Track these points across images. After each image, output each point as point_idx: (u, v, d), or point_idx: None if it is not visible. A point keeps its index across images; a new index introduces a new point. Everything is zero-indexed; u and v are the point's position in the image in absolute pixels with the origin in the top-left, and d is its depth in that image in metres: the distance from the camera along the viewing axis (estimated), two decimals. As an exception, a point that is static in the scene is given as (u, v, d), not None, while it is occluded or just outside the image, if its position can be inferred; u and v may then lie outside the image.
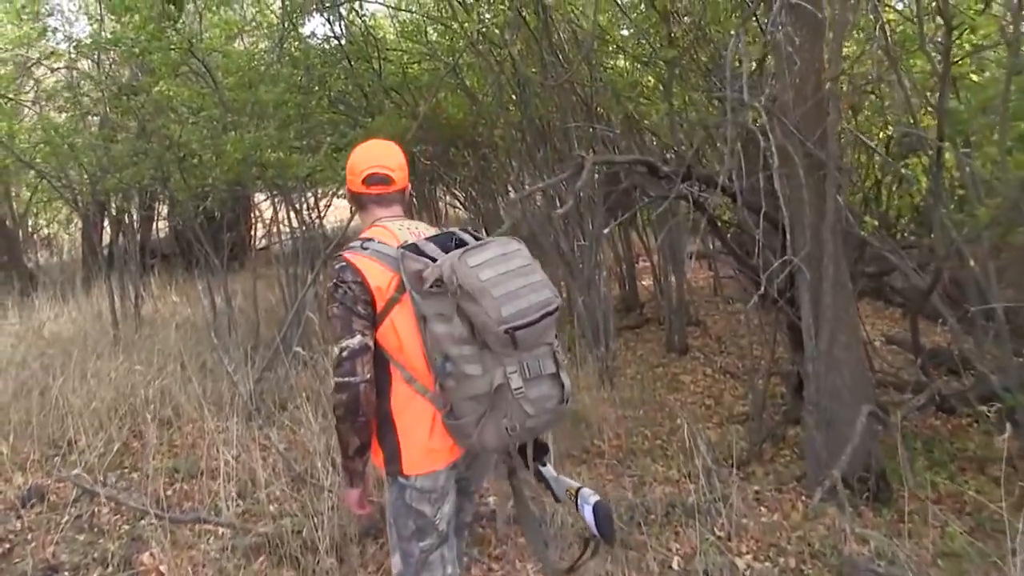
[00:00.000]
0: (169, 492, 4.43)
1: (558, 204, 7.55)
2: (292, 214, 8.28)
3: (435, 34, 8.31)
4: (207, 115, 6.97)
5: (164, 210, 12.88)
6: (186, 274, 11.70)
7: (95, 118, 8.69)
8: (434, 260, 2.15)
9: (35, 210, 13.76)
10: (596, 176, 5.95)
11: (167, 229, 13.73)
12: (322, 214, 8.99)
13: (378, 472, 2.39)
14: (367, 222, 2.45)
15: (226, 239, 7.61)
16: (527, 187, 6.33)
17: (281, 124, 6.04)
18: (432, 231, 2.41)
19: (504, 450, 2.33)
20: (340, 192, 8.49)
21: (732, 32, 4.84)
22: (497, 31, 6.43)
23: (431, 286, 2.11)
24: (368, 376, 2.17)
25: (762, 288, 3.71)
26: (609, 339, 6.83)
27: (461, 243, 2.25)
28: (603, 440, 5.26)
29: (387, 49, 8.68)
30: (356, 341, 2.16)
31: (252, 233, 13.94)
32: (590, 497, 2.26)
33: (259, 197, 11.52)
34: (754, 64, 3.95)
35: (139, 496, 4.21)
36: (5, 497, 4.48)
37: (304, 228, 7.69)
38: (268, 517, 3.92)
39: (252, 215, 13.32)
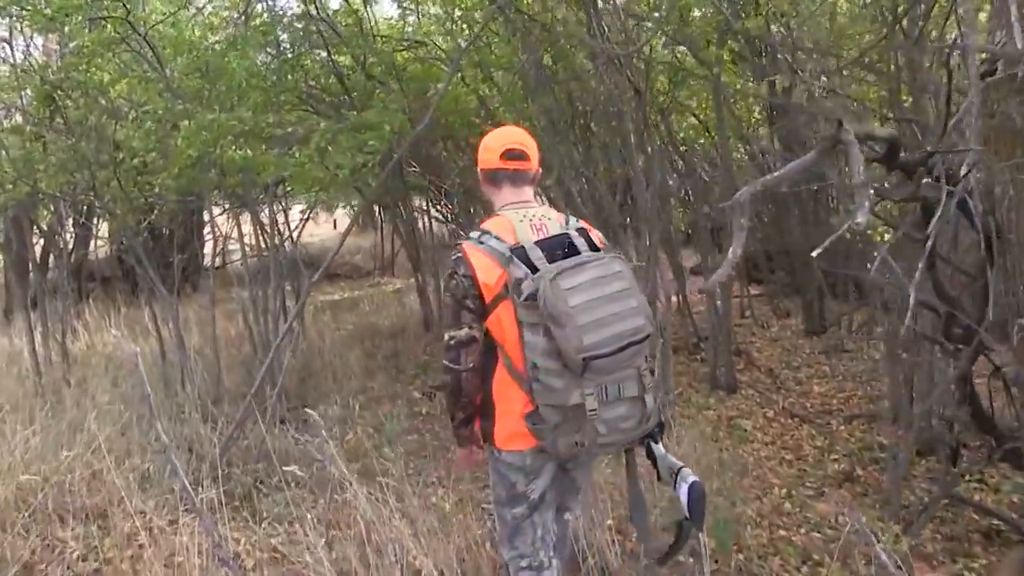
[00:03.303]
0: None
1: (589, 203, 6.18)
2: (257, 229, 6.78)
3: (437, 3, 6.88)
4: (151, 108, 5.49)
5: (105, 227, 11.23)
6: (131, 300, 10.09)
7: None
8: (536, 270, 2.21)
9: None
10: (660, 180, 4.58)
11: (108, 248, 12.04)
12: (296, 230, 7.53)
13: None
14: (496, 204, 2.47)
15: (177, 262, 6.07)
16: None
17: (254, 108, 4.54)
18: (553, 223, 2.39)
19: (573, 459, 2.40)
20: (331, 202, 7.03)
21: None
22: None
23: (525, 299, 2.18)
24: (471, 365, 2.32)
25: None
26: (668, 382, 5.47)
27: (571, 249, 2.30)
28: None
29: (372, 35, 7.24)
30: (463, 333, 2.30)
31: (203, 252, 12.36)
32: (688, 477, 2.31)
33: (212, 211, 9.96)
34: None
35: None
36: None
37: (278, 246, 6.20)
38: None
39: (203, 231, 11.76)
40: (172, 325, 5.72)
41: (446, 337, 2.32)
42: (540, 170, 2.51)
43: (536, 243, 2.26)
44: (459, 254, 2.31)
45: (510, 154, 2.40)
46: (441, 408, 6.47)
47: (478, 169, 2.51)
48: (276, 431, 4.73)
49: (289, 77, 6.16)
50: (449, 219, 11.40)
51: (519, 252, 2.24)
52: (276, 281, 5.87)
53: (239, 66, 4.39)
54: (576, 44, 4.92)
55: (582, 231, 2.37)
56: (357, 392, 6.37)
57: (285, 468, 3.57)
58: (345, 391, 6.29)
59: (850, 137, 2.07)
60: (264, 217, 6.72)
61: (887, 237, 4.05)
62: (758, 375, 7.41)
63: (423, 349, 8.40)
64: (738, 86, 6.65)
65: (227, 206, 8.02)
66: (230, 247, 10.85)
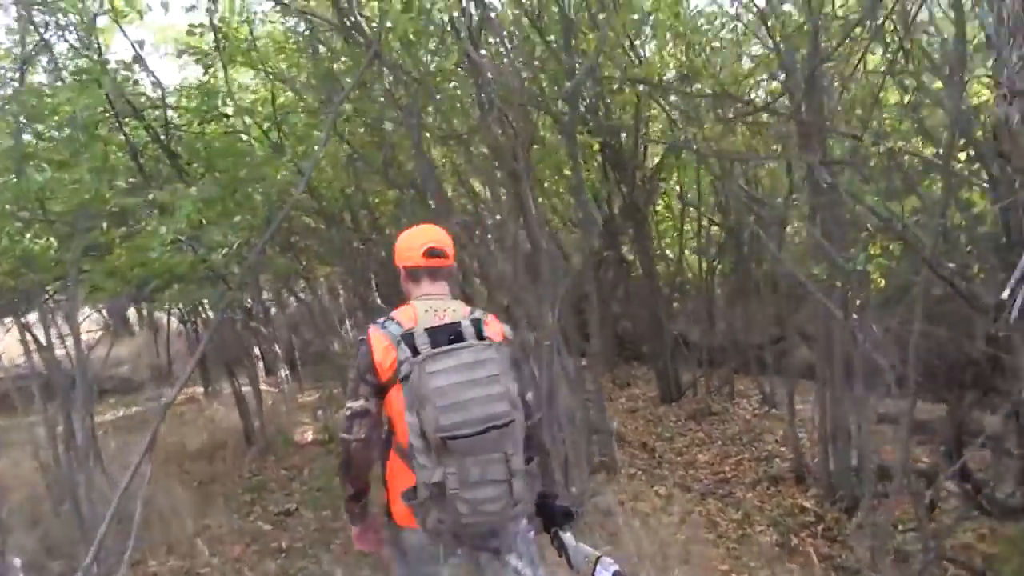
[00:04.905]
0: None
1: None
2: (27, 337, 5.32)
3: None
4: None
5: None
6: None
7: None
8: (418, 354, 2.27)
9: None
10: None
11: None
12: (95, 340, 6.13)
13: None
14: (412, 296, 2.58)
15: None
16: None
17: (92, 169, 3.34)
18: (456, 313, 2.46)
19: (439, 540, 2.37)
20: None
21: None
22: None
23: (401, 379, 2.28)
24: (362, 436, 2.38)
25: None
26: (582, 478, 4.79)
27: (458, 337, 2.34)
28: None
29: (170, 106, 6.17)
30: (358, 404, 2.38)
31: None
32: (609, 566, 2.35)
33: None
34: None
35: None
36: None
37: (69, 359, 4.85)
38: None
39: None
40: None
41: (344, 408, 2.41)
42: (455, 264, 2.70)
43: (426, 329, 2.34)
44: (364, 336, 2.44)
45: (431, 252, 2.55)
46: (303, 537, 5.38)
47: (399, 267, 2.61)
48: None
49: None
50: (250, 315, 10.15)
51: (407, 337, 2.33)
52: (86, 404, 4.52)
53: (84, 103, 3.23)
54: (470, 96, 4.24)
55: (476, 321, 2.42)
56: (192, 535, 5.10)
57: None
58: (179, 535, 5.01)
59: None
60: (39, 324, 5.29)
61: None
62: (632, 451, 6.94)
63: (248, 467, 7.13)
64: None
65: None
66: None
